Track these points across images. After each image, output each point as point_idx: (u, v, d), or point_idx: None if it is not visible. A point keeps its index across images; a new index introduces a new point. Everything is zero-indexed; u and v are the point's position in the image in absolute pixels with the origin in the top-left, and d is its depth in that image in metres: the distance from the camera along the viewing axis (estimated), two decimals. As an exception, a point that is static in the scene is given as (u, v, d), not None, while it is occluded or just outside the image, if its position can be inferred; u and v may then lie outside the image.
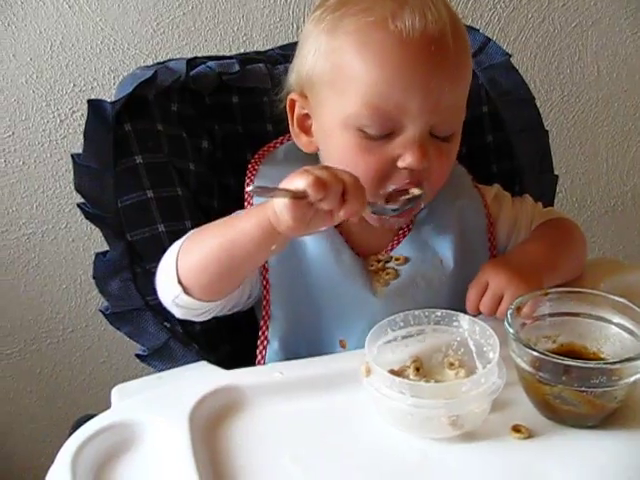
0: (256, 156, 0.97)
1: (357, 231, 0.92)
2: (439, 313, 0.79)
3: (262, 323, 0.91)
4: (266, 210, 0.75)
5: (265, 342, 0.91)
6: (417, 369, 0.77)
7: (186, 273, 0.82)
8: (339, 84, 0.83)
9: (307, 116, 0.90)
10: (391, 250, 0.94)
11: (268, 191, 0.73)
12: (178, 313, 0.87)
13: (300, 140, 0.92)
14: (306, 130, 0.91)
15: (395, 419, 0.73)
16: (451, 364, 0.77)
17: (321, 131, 0.88)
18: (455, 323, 0.79)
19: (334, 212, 0.73)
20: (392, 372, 0.76)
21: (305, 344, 0.89)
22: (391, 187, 0.85)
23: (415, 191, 0.85)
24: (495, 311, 0.85)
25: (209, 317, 0.89)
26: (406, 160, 0.82)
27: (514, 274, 0.85)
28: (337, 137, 0.85)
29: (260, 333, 0.92)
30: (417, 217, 0.94)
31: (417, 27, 0.79)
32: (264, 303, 0.91)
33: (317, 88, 0.86)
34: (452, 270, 0.92)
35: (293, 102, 0.90)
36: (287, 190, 0.71)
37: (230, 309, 0.91)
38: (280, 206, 0.72)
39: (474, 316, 0.84)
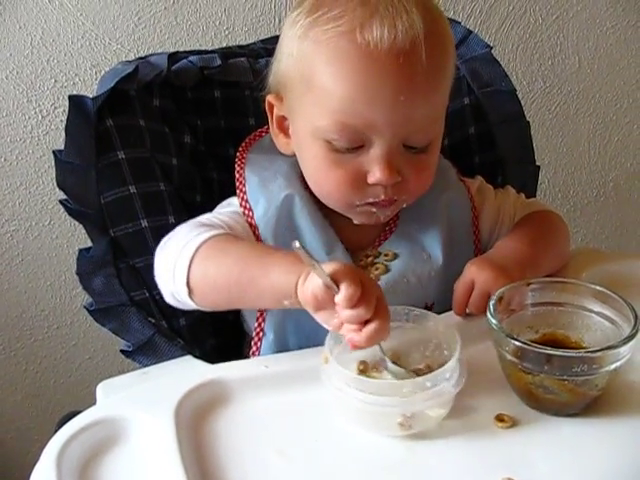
0: (243, 144, 0.97)
1: (346, 226, 0.92)
2: (417, 312, 0.78)
3: (258, 315, 0.91)
4: (297, 276, 0.73)
5: (261, 334, 0.91)
6: (394, 362, 0.76)
7: (197, 282, 0.81)
8: (308, 94, 0.82)
9: (284, 118, 0.90)
10: (379, 246, 0.94)
11: (309, 256, 0.69)
12: (171, 302, 0.86)
13: (279, 141, 0.91)
14: (284, 131, 0.90)
15: (345, 412, 0.74)
16: (427, 365, 0.77)
17: (295, 137, 0.88)
18: (431, 323, 0.78)
19: (342, 327, 0.71)
20: (364, 365, 0.76)
21: (300, 336, 0.89)
22: (369, 199, 0.85)
23: None
24: (484, 309, 0.84)
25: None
26: (375, 176, 0.82)
27: (499, 272, 0.84)
28: (308, 147, 0.85)
29: (256, 325, 0.91)
30: (403, 211, 0.94)
31: (385, 38, 0.76)
32: None
33: (290, 93, 0.86)
34: (441, 265, 0.92)
35: (271, 103, 0.90)
36: (326, 274, 0.69)
37: None
38: (310, 290, 0.71)
39: (467, 315, 0.85)
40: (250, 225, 0.90)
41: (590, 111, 1.58)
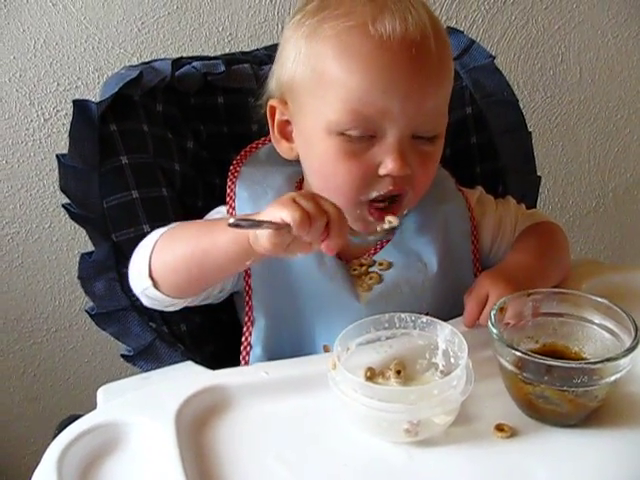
0: (238, 157, 0.97)
1: None
2: (424, 319, 0.79)
3: (245, 329, 0.92)
4: (246, 239, 0.75)
5: (248, 347, 0.91)
6: (398, 372, 0.76)
7: (157, 270, 0.83)
8: (319, 90, 0.83)
9: (287, 122, 0.90)
10: (374, 254, 0.93)
11: (250, 224, 0.71)
12: (147, 303, 0.88)
13: (281, 146, 0.92)
14: (287, 136, 0.90)
15: (352, 417, 0.74)
16: (441, 372, 0.77)
17: (302, 138, 0.88)
18: (438, 331, 0.78)
19: (313, 244, 0.73)
20: (371, 371, 0.76)
21: (288, 350, 0.88)
22: (374, 194, 0.85)
23: (392, 219, 0.86)
24: None
25: (177, 308, 0.89)
26: (387, 167, 0.82)
27: (514, 285, 0.83)
28: (318, 143, 0.85)
29: (243, 339, 0.92)
30: (401, 222, 0.94)
31: (397, 30, 0.79)
32: (247, 309, 0.91)
33: (297, 94, 0.86)
34: (435, 274, 0.92)
35: (273, 108, 0.90)
36: (271, 223, 0.71)
37: (201, 301, 0.91)
38: (264, 241, 0.72)
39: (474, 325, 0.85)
40: None
41: (591, 121, 1.59)
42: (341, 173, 0.84)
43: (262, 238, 0.72)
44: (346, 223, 0.74)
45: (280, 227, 0.71)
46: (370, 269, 0.92)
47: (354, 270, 0.92)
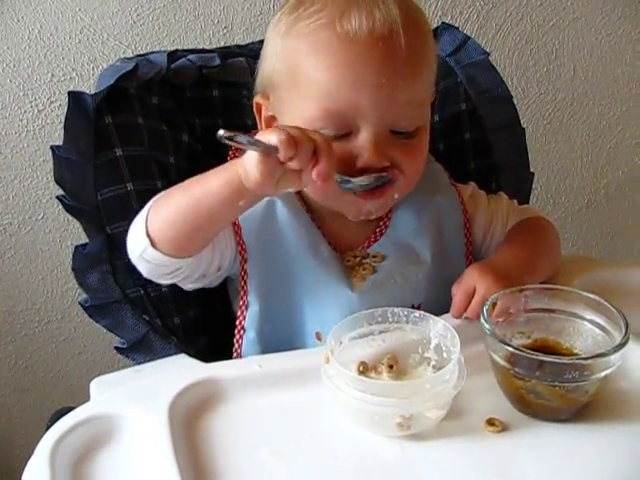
0: (231, 151, 0.96)
1: (334, 226, 0.93)
2: (417, 314, 0.79)
3: (239, 313, 0.92)
4: (235, 166, 0.76)
5: (242, 331, 0.92)
6: (390, 366, 0.77)
7: (154, 227, 0.82)
8: (294, 88, 0.85)
9: (274, 118, 0.90)
10: (368, 247, 0.94)
11: (239, 140, 0.70)
12: (145, 270, 0.86)
13: None
14: None
15: (345, 411, 0.74)
16: (433, 366, 0.77)
17: None
18: (431, 326, 0.79)
19: (303, 173, 0.74)
20: (363, 365, 0.77)
21: (282, 335, 0.90)
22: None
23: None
24: None
25: (173, 280, 0.88)
26: (363, 159, 0.83)
27: (501, 279, 0.84)
28: None
29: (237, 322, 0.92)
30: (394, 214, 0.94)
31: (364, 26, 0.80)
32: (241, 293, 0.91)
33: (277, 91, 0.88)
34: (429, 266, 0.93)
35: (259, 104, 0.91)
36: (258, 141, 0.71)
37: (198, 278, 0.89)
38: (250, 160, 0.73)
39: (465, 318, 0.85)
40: (234, 224, 0.91)
41: (584, 118, 1.60)
42: None
43: (252, 170, 0.73)
44: (333, 151, 0.75)
45: (268, 149, 0.71)
46: (364, 261, 0.93)
47: (348, 261, 0.93)
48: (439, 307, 0.87)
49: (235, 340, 0.92)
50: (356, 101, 0.82)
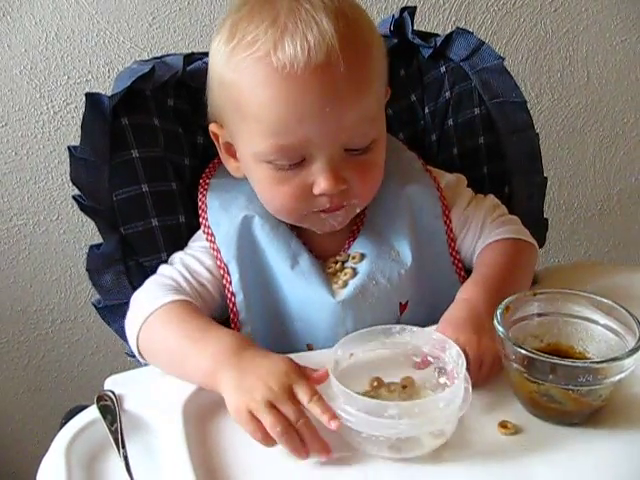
0: (207, 170, 0.98)
1: (314, 235, 0.92)
2: (435, 336, 0.77)
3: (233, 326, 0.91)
4: (215, 377, 0.75)
5: None
6: (404, 387, 0.76)
7: (143, 347, 0.84)
8: (242, 122, 0.84)
9: (231, 144, 0.90)
10: (348, 249, 0.93)
11: None
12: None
13: (230, 165, 0.92)
14: (233, 155, 0.91)
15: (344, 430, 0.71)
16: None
17: (242, 160, 0.89)
18: (447, 351, 0.76)
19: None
20: (378, 381, 0.76)
21: (275, 350, 0.86)
22: (315, 209, 0.86)
23: None
24: (489, 376, 0.79)
25: None
26: (320, 186, 0.83)
27: (484, 336, 0.79)
28: (253, 168, 0.86)
29: None
30: (368, 211, 0.93)
31: (299, 55, 0.77)
32: (232, 316, 0.91)
33: (227, 121, 0.87)
34: (411, 262, 0.91)
35: (215, 133, 0.91)
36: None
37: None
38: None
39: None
40: (213, 250, 0.91)
41: (597, 124, 1.59)
42: (278, 197, 0.86)
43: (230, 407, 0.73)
44: (316, 431, 0.70)
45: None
46: (345, 264, 0.92)
47: (329, 268, 0.92)
48: (427, 304, 0.86)
49: None
50: (305, 134, 0.80)
